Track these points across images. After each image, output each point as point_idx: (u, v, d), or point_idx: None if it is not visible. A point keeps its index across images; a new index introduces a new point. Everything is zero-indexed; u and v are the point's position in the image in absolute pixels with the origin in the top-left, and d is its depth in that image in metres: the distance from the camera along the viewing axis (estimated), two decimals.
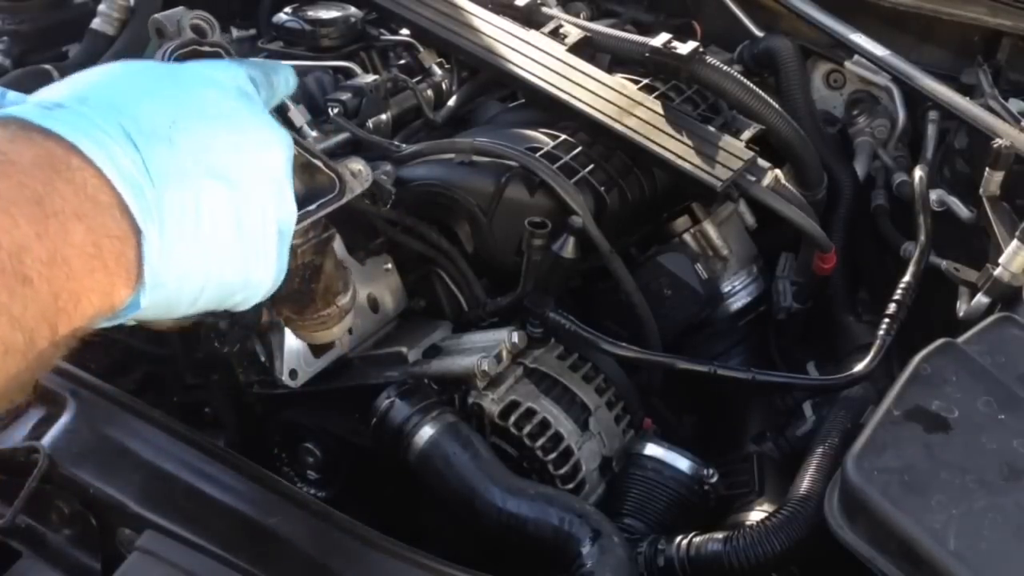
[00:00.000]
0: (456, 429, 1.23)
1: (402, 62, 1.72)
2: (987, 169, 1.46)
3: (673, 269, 1.53)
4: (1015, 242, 1.33)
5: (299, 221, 0.85)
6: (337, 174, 0.93)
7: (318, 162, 0.92)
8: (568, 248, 1.35)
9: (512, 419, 1.27)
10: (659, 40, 1.66)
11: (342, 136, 1.47)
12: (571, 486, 1.26)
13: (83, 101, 0.67)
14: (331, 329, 1.09)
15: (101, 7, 1.79)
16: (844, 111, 1.95)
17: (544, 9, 1.82)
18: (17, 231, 0.58)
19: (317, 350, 1.37)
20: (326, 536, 1.01)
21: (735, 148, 1.51)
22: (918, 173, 1.66)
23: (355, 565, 0.99)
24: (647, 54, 1.66)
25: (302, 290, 1.01)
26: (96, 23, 1.78)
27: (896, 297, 1.42)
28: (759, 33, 1.92)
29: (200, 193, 0.70)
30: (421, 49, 1.71)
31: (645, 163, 1.53)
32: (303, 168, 0.91)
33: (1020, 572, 0.93)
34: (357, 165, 0.96)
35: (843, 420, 1.28)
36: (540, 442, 1.26)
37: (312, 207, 0.90)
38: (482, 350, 1.30)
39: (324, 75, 1.61)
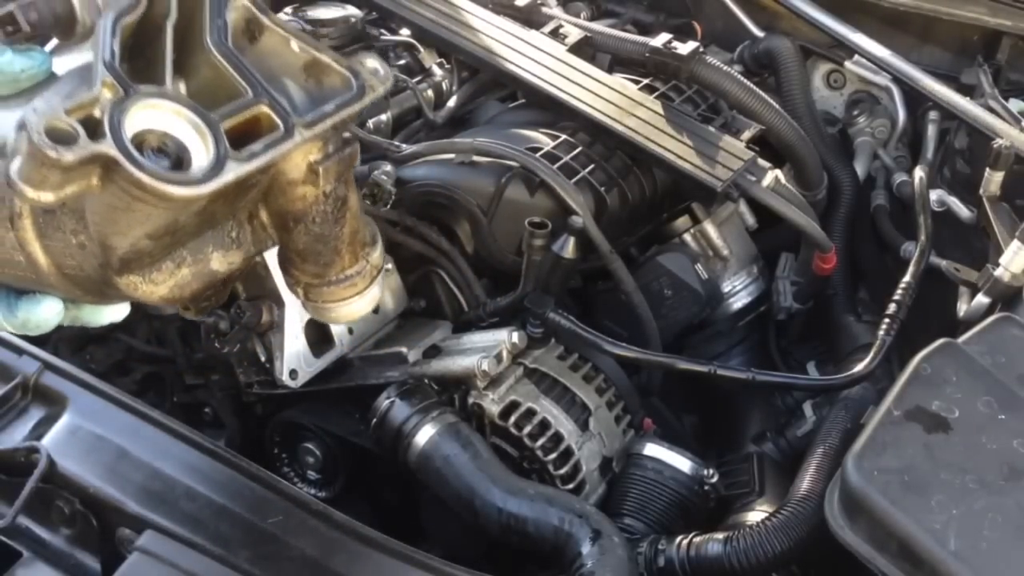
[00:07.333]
0: (456, 429, 1.23)
1: (402, 62, 1.72)
2: (987, 169, 1.46)
3: (673, 269, 1.53)
4: (1015, 242, 1.33)
5: (313, 124, 0.70)
6: (353, 71, 0.74)
7: (326, 58, 0.74)
8: (568, 248, 1.35)
9: (512, 419, 1.27)
10: (659, 40, 1.66)
11: None
12: (571, 486, 1.26)
13: None
14: (364, 295, 0.86)
15: None
16: (844, 111, 1.95)
17: (544, 9, 1.82)
18: None
19: (318, 350, 1.37)
20: (326, 536, 1.01)
21: (735, 148, 1.51)
22: (918, 173, 1.66)
23: (355, 565, 0.99)
24: (647, 54, 1.66)
25: (324, 236, 0.80)
26: None
27: (896, 297, 1.42)
28: (759, 33, 1.92)
29: None
30: (421, 49, 1.71)
31: (645, 163, 1.53)
32: (307, 69, 0.74)
33: (1020, 572, 0.93)
34: (372, 62, 0.78)
35: (843, 420, 1.28)
36: (540, 442, 1.26)
37: (329, 106, 0.72)
38: (482, 350, 1.30)
39: None
